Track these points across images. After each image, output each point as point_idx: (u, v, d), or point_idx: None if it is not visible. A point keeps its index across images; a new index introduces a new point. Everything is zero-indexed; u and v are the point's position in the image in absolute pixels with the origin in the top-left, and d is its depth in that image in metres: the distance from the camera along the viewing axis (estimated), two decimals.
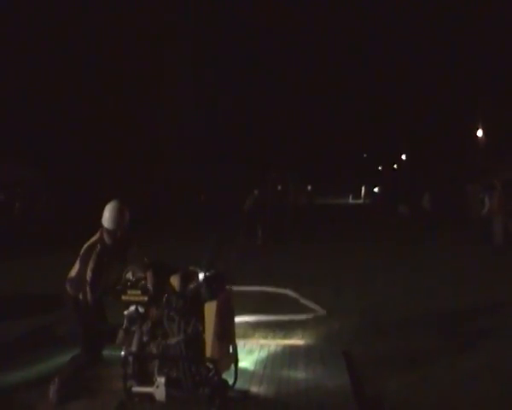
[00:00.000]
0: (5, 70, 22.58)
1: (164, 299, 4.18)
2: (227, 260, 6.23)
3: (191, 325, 4.14)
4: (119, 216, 4.29)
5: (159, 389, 4.06)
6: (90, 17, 25.83)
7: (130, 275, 4.36)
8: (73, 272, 4.32)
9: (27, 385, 4.76)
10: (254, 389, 4.53)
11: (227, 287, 4.43)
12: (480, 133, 33.03)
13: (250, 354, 5.40)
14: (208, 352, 4.04)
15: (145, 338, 4.25)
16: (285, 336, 6.36)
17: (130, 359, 4.18)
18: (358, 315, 7.44)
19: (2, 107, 22.18)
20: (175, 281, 4.20)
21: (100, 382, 4.66)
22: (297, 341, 6.18)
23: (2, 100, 22.20)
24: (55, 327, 6.70)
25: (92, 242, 4.30)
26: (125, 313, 4.30)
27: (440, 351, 5.81)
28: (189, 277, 4.26)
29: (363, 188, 68.30)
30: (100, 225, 4.33)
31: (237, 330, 4.70)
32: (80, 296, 4.17)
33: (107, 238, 4.29)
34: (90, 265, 4.13)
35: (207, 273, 4.21)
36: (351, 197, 68.61)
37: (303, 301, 8.08)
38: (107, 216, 4.28)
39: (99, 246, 4.22)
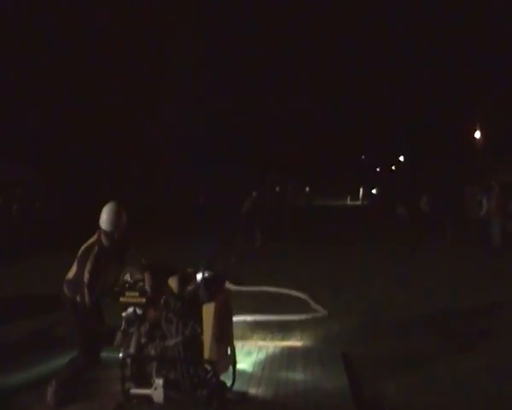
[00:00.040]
0: (5, 70, 22.55)
1: (162, 301, 4.18)
2: (227, 261, 6.24)
3: (189, 327, 4.13)
4: (116, 218, 4.28)
5: (157, 390, 4.06)
6: (91, 17, 25.84)
7: (128, 277, 4.35)
8: (71, 274, 4.32)
9: (25, 387, 4.77)
10: (252, 390, 4.53)
11: (225, 288, 4.43)
12: (477, 135, 33.08)
13: (248, 356, 5.40)
14: (206, 354, 4.04)
15: (143, 340, 4.25)
16: (283, 338, 6.36)
17: (129, 361, 4.18)
18: (357, 316, 7.44)
19: (1, 107, 22.16)
20: (173, 283, 4.19)
21: (98, 384, 4.65)
22: (295, 342, 6.17)
23: (1, 100, 22.19)
24: (55, 329, 6.70)
25: (90, 243, 4.29)
26: (123, 314, 4.30)
27: (439, 352, 5.81)
28: (187, 278, 4.26)
29: (361, 189, 68.36)
30: (98, 226, 4.32)
31: (235, 332, 4.69)
32: (78, 298, 4.16)
33: (104, 240, 4.29)
34: (88, 267, 4.12)
35: (206, 274, 4.21)
36: (349, 199, 68.65)
37: (314, 305, 8.04)
38: (105, 218, 4.28)
39: (96, 248, 4.22)
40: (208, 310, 4.06)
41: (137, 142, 27.11)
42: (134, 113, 27.13)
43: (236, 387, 4.36)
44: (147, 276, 4.22)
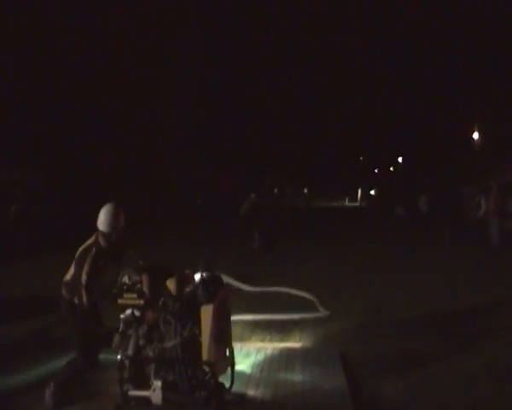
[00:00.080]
0: (4, 70, 22.53)
1: (160, 302, 4.18)
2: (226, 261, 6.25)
3: (188, 329, 4.13)
4: (114, 219, 4.28)
5: (155, 392, 4.05)
6: (90, 17, 25.82)
7: (126, 279, 4.34)
8: (69, 276, 4.31)
9: (24, 388, 4.75)
10: (251, 392, 4.52)
11: (223, 290, 4.42)
12: (476, 135, 33.15)
13: (247, 357, 5.39)
14: (205, 355, 4.03)
15: (141, 342, 4.24)
16: (282, 339, 6.36)
17: (127, 362, 4.17)
18: (356, 316, 7.44)
19: (1, 107, 22.14)
20: (171, 284, 4.19)
21: (96, 386, 4.64)
22: (294, 343, 6.17)
23: (1, 100, 22.16)
24: (53, 330, 6.69)
25: (87, 245, 4.29)
26: (122, 316, 4.29)
27: (439, 352, 5.81)
28: (185, 280, 4.26)
29: (359, 190, 68.43)
30: (95, 227, 4.32)
31: (234, 333, 4.69)
32: (76, 300, 4.16)
33: (102, 241, 4.28)
34: (86, 268, 4.12)
35: (204, 275, 4.21)
36: (347, 200, 68.73)
37: (319, 306, 8.04)
38: (103, 219, 4.28)
39: (94, 249, 4.21)
40: (207, 311, 4.06)
41: (137, 142, 27.08)
42: (134, 113, 27.09)
43: (235, 388, 4.36)
44: (145, 277, 4.21)
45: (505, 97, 29.61)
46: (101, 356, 4.42)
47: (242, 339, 6.17)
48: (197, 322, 4.10)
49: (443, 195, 26.91)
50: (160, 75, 30.64)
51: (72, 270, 4.30)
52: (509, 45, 30.57)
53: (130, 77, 26.74)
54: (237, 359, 4.67)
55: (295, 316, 7.30)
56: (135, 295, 4.22)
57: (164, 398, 4.03)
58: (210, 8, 37.35)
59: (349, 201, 68.51)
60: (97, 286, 4.21)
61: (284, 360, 5.38)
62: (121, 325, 4.27)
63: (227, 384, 4.26)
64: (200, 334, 4.09)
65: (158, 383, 4.06)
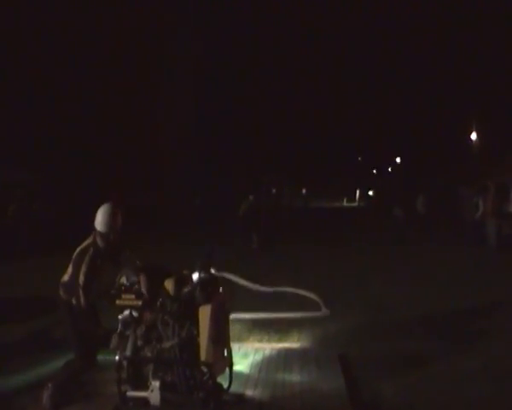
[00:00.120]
0: (4, 70, 22.48)
1: (158, 303, 4.17)
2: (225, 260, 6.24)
3: (185, 329, 4.13)
4: (111, 219, 4.28)
5: (153, 393, 4.05)
6: (90, 15, 25.78)
7: (124, 279, 4.34)
8: (66, 277, 4.30)
9: (22, 389, 4.75)
10: (249, 392, 4.52)
11: (221, 290, 4.42)
12: (474, 136, 33.20)
13: (245, 358, 5.39)
14: (203, 355, 4.03)
15: (139, 342, 4.24)
16: (280, 339, 6.36)
17: (125, 363, 4.17)
18: (355, 317, 7.45)
19: (0, 107, 22.11)
20: (169, 285, 4.19)
21: (94, 386, 4.63)
22: (292, 344, 6.17)
23: (0, 100, 22.13)
24: (52, 331, 6.68)
25: (85, 245, 4.29)
26: (120, 317, 4.29)
27: (438, 352, 5.82)
28: (183, 280, 4.25)
29: (357, 191, 68.56)
30: (93, 228, 4.32)
31: (232, 334, 4.69)
32: (73, 301, 4.15)
33: (99, 241, 4.28)
34: (83, 269, 4.11)
35: (202, 274, 4.21)
36: (345, 200, 68.82)
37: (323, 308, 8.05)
38: (100, 219, 4.27)
39: (92, 249, 4.21)
40: (205, 312, 4.06)
41: (137, 142, 27.02)
42: (134, 113, 27.04)
43: (233, 389, 4.35)
44: (142, 278, 4.21)
45: (503, 98, 29.69)
46: (100, 357, 4.42)
47: (240, 339, 6.18)
48: (195, 322, 4.10)
49: (441, 195, 26.96)
50: (160, 75, 30.62)
51: (69, 270, 4.29)
52: (508, 46, 30.65)
53: (130, 77, 26.70)
54: (235, 359, 4.67)
55: (295, 315, 7.31)
56: (133, 296, 4.22)
57: (162, 399, 4.03)
58: (210, 8, 37.32)
59: (347, 201, 68.63)
60: (95, 287, 4.20)
61: (282, 360, 5.38)
62: (119, 326, 4.27)
63: (225, 385, 4.25)
64: (198, 334, 4.09)
65: (156, 384, 4.05)
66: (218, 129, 37.08)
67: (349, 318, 7.40)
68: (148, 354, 4.20)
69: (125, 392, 4.14)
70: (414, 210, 23.54)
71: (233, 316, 6.50)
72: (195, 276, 4.25)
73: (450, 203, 24.06)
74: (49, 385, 4.25)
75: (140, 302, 4.19)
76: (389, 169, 60.68)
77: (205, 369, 4.04)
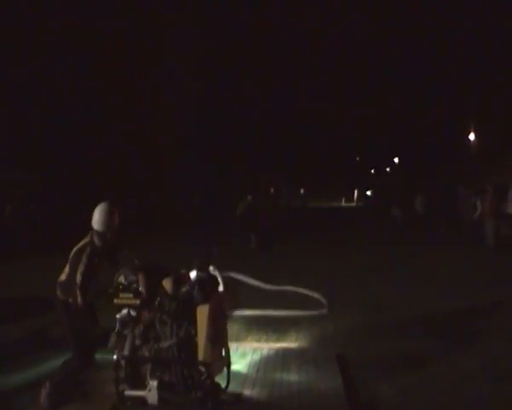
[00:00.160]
0: (2, 70, 22.42)
1: (156, 302, 4.17)
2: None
3: (183, 329, 4.12)
4: (108, 218, 4.28)
5: (151, 392, 4.05)
6: (90, 15, 25.72)
7: (122, 278, 4.34)
8: (63, 276, 4.30)
9: (20, 388, 4.75)
10: (247, 392, 4.53)
11: (219, 290, 4.43)
12: (472, 137, 33.24)
13: (243, 357, 5.39)
14: (201, 355, 4.03)
15: (137, 342, 4.24)
16: (278, 339, 6.37)
17: (123, 362, 4.16)
18: (353, 316, 7.46)
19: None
20: (167, 284, 4.19)
21: (92, 386, 4.63)
22: (290, 343, 6.18)
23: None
24: (50, 330, 6.67)
25: (82, 245, 4.29)
26: (117, 316, 4.28)
27: (436, 353, 5.82)
28: (181, 280, 4.26)
29: (355, 191, 68.64)
30: (90, 227, 4.32)
31: (230, 333, 4.69)
32: (70, 300, 4.15)
33: (97, 240, 4.28)
34: (80, 268, 4.11)
35: (199, 273, 4.21)
36: (344, 200, 68.90)
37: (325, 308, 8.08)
38: (97, 218, 4.27)
39: (89, 248, 4.21)
40: (202, 311, 4.06)
41: (137, 142, 26.97)
42: (134, 113, 26.98)
43: (231, 388, 4.35)
44: (141, 277, 4.20)
45: (501, 99, 29.71)
46: (97, 356, 4.42)
47: (238, 339, 6.18)
48: (193, 322, 4.10)
49: (439, 196, 26.98)
50: (161, 75, 30.56)
51: (66, 270, 4.29)
52: (506, 47, 30.69)
53: (130, 77, 26.65)
54: (233, 359, 4.67)
55: (287, 313, 7.35)
56: (131, 295, 4.22)
57: (160, 398, 4.03)
58: (210, 8, 37.31)
59: (345, 201, 68.70)
60: (92, 286, 4.20)
61: (280, 360, 5.38)
62: (117, 325, 4.27)
63: (223, 384, 4.25)
64: (195, 334, 4.09)
65: (154, 383, 4.05)
66: (218, 129, 37.06)
67: (347, 317, 7.41)
68: (146, 354, 4.20)
69: (123, 391, 4.14)
70: (412, 210, 23.60)
71: (236, 313, 6.59)
72: (193, 274, 4.25)
73: (448, 204, 24.09)
74: (47, 384, 4.25)
75: (138, 301, 4.18)
76: (387, 169, 60.76)
77: (203, 369, 4.04)
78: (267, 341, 6.30)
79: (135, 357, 4.21)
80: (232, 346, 4.91)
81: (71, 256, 4.27)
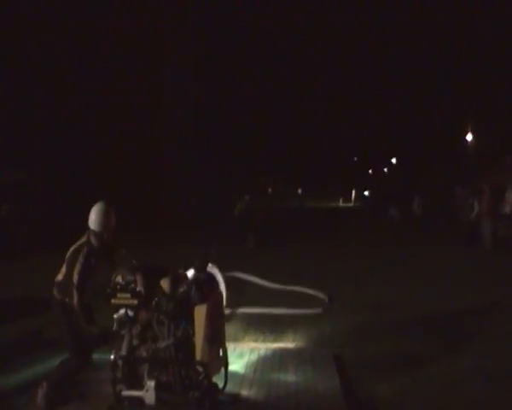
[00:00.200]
0: (2, 71, 22.38)
1: (154, 302, 4.17)
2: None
3: (181, 329, 4.12)
4: (105, 218, 4.27)
5: (148, 392, 4.04)
6: (90, 15, 25.69)
7: (119, 278, 4.33)
8: (60, 276, 4.29)
9: (17, 389, 4.74)
10: (244, 392, 4.52)
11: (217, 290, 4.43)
12: (469, 137, 33.30)
13: (240, 358, 5.39)
14: (198, 355, 4.03)
15: (135, 342, 4.23)
16: (275, 339, 6.36)
17: (120, 362, 4.16)
18: (351, 317, 7.46)
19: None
20: (165, 284, 4.18)
21: (89, 386, 4.62)
22: (287, 344, 6.18)
23: None
24: (47, 330, 6.66)
25: (78, 245, 4.28)
26: (115, 316, 4.28)
27: (433, 353, 5.83)
28: (179, 280, 4.25)
29: (353, 191, 68.69)
30: (87, 227, 4.31)
31: (227, 333, 4.69)
32: (67, 300, 4.15)
33: (93, 240, 4.27)
34: (77, 268, 4.11)
35: (197, 273, 4.21)
36: (341, 200, 68.94)
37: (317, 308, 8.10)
38: (94, 218, 4.27)
39: (85, 248, 4.20)
40: (200, 312, 4.06)
41: (137, 142, 26.94)
42: (134, 113, 26.95)
43: (228, 389, 4.36)
44: (139, 277, 4.20)
45: (499, 99, 29.79)
46: (95, 356, 4.41)
47: (236, 339, 6.18)
48: (191, 322, 4.09)
49: (436, 196, 27.06)
50: (161, 75, 30.55)
51: (63, 270, 4.28)
52: (503, 48, 30.78)
53: (130, 77, 26.64)
54: (231, 359, 4.67)
55: (280, 311, 7.48)
56: (128, 295, 4.21)
57: (157, 398, 4.02)
58: (210, 8, 37.31)
59: (343, 201, 68.74)
60: (89, 286, 4.20)
61: (277, 360, 5.38)
62: (115, 325, 4.26)
63: (220, 385, 4.25)
64: (193, 334, 4.09)
65: (151, 384, 4.05)
66: (217, 129, 37.07)
67: (345, 317, 7.41)
68: (144, 354, 4.19)
69: (120, 391, 4.13)
70: (410, 211, 23.65)
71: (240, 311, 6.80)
72: (190, 273, 4.25)
73: (445, 204, 24.16)
74: (44, 384, 4.24)
75: (135, 301, 4.18)
76: (385, 169, 60.82)
77: (200, 369, 4.04)
78: (264, 341, 6.30)
79: (132, 357, 4.21)
80: (230, 346, 4.91)
81: (67, 256, 4.27)
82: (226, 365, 4.40)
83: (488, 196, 14.79)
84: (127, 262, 4.36)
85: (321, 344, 6.16)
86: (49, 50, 24.05)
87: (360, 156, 77.56)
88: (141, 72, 27.32)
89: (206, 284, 4.24)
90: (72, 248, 4.28)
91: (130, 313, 4.23)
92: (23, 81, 23.26)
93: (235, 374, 4.83)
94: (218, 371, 4.29)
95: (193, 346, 4.06)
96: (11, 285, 9.93)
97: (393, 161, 54.71)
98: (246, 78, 43.79)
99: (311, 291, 8.98)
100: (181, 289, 4.18)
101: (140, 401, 4.08)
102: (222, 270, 6.87)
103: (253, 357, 5.44)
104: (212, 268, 4.51)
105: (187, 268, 4.37)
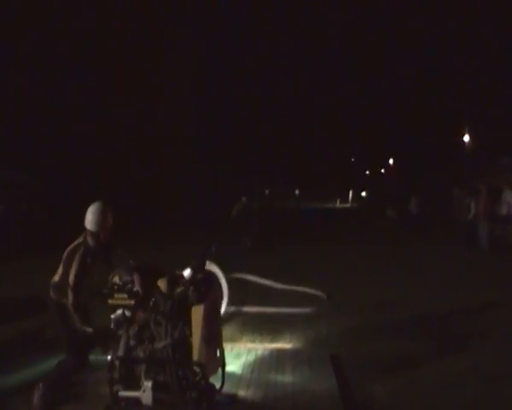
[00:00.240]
0: (2, 71, 22.33)
1: (151, 302, 4.16)
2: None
3: (178, 329, 4.12)
4: (101, 218, 4.26)
5: (145, 393, 4.03)
6: (89, 15, 25.66)
7: (116, 279, 4.32)
8: (57, 277, 4.28)
9: (14, 390, 4.73)
10: (242, 392, 4.53)
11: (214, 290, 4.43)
12: (466, 138, 33.37)
13: (237, 358, 5.40)
14: (195, 356, 4.03)
15: (132, 342, 4.22)
16: (272, 340, 6.37)
17: (117, 363, 4.15)
18: (348, 317, 7.46)
19: None
20: (162, 284, 4.18)
21: (86, 387, 4.62)
22: (284, 344, 6.18)
23: None
24: (44, 331, 6.65)
25: (75, 245, 4.27)
26: (112, 316, 4.27)
27: (430, 353, 5.84)
28: (176, 280, 4.25)
29: (350, 192, 68.72)
30: (84, 227, 4.30)
31: (224, 334, 4.70)
32: (64, 301, 4.14)
33: (90, 240, 4.26)
34: (73, 268, 4.10)
35: (194, 273, 4.21)
36: (338, 201, 68.94)
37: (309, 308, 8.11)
38: (90, 218, 4.26)
39: (82, 248, 4.19)
40: (197, 312, 4.06)
41: (137, 142, 26.91)
42: (133, 112, 26.92)
43: (225, 389, 4.35)
44: (136, 277, 4.19)
45: (496, 100, 29.88)
46: (91, 357, 4.40)
47: (233, 340, 6.18)
48: (188, 322, 4.09)
49: (433, 197, 27.09)
50: (160, 75, 30.52)
51: (60, 270, 4.27)
52: (500, 49, 30.87)
53: (130, 77, 26.61)
54: (228, 359, 4.67)
55: (271, 309, 7.56)
56: (125, 296, 4.20)
57: (154, 399, 4.02)
58: (210, 8, 37.26)
59: (340, 202, 68.73)
60: (86, 286, 4.19)
61: (275, 361, 5.38)
62: (112, 325, 4.26)
63: (217, 385, 4.25)
64: (190, 334, 4.09)
65: (148, 384, 4.04)
66: (216, 129, 37.05)
67: (341, 318, 7.42)
68: (141, 354, 4.19)
69: (117, 392, 4.12)
70: (407, 211, 23.68)
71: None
72: (187, 272, 4.25)
73: (442, 204, 24.20)
74: (41, 385, 4.23)
75: (132, 302, 4.17)
76: (382, 170, 60.93)
77: (197, 369, 4.04)
78: (262, 341, 6.30)
79: (129, 358, 4.20)
80: (227, 346, 4.91)
81: (64, 257, 4.26)
82: (223, 365, 4.40)
83: (485, 196, 14.82)
84: (124, 262, 4.35)
85: (318, 345, 6.17)
86: (49, 50, 24.00)
87: (357, 157, 77.78)
88: (141, 71, 27.29)
89: (203, 284, 4.24)
90: (68, 249, 4.27)
91: (128, 313, 4.22)
92: (23, 81, 23.21)
93: (233, 375, 4.84)
94: (215, 371, 4.30)
95: (190, 346, 4.06)
96: (9, 286, 9.90)
97: (390, 161, 54.81)
98: (245, 78, 43.80)
99: (314, 291, 8.99)
100: (178, 290, 4.17)
101: (137, 401, 4.07)
102: (223, 270, 6.90)
103: (251, 357, 5.45)
104: (210, 265, 4.50)
105: (184, 268, 4.37)
